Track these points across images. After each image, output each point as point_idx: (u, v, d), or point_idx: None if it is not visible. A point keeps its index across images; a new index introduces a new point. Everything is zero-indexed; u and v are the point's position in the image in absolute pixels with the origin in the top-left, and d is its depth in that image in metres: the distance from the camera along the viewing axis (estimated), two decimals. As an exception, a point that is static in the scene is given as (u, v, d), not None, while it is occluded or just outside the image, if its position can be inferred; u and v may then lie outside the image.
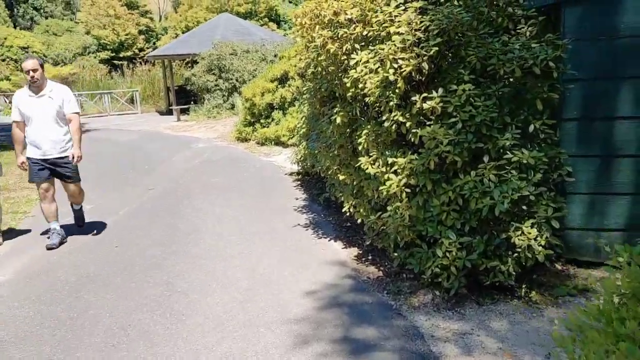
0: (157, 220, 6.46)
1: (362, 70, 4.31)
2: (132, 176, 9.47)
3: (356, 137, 4.74)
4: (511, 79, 4.10)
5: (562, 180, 4.13)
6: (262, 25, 33.05)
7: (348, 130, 5.00)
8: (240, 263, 4.89)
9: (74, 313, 3.99)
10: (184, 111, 19.63)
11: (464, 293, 3.97)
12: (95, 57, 34.32)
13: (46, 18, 49.20)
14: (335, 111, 4.91)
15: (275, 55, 17.34)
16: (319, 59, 4.98)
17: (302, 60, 6.15)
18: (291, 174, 8.88)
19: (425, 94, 3.97)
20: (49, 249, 5.53)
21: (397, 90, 4.07)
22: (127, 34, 36.39)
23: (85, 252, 5.40)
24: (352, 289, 4.24)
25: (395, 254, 4.41)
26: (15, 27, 45.44)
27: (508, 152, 3.82)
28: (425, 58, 3.93)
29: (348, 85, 4.51)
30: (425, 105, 3.92)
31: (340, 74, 4.88)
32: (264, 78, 12.55)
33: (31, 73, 5.36)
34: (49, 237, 5.70)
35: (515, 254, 3.83)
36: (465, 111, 3.85)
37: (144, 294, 4.28)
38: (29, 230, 6.34)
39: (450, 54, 4.26)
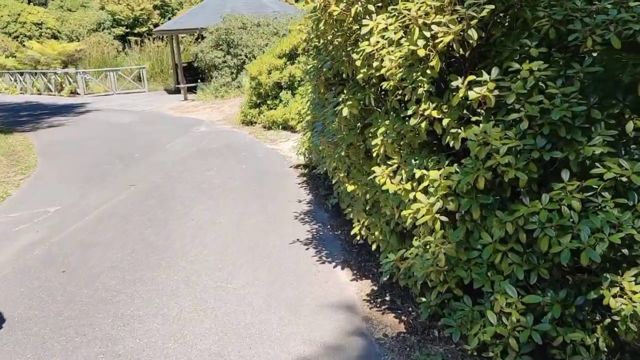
0: (127, 231, 5.27)
1: (377, 42, 3.00)
2: (118, 167, 8.30)
3: (370, 136, 3.45)
4: (594, 54, 2.77)
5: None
6: (280, -1, 31.43)
7: (359, 124, 3.70)
8: (215, 304, 3.67)
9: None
10: (192, 90, 18.40)
11: (526, 371, 2.69)
12: (109, 34, 33.19)
13: (60, -7, 48.42)
14: (341, 99, 3.61)
15: (289, 31, 15.95)
16: (319, 27, 3.66)
17: (303, 31, 4.84)
18: (297, 166, 7.61)
19: (471, 77, 2.65)
20: None
21: (429, 71, 2.77)
22: (141, 9, 35.16)
23: (20, 279, 4.24)
24: (362, 355, 3.00)
25: (424, 300, 3.14)
26: (29, 2, 44.75)
27: (597, 164, 2.51)
28: (473, 22, 2.60)
29: (358, 63, 3.21)
30: (471, 94, 2.62)
31: (348, 48, 3.57)
32: (272, 54, 11.21)
33: None
34: None
35: (608, 321, 2.55)
36: (533, 102, 2.54)
37: (71, 357, 3.09)
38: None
39: (507, 17, 2.92)
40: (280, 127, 10.57)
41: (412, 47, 2.78)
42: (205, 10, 19.81)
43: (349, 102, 3.48)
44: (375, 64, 3.06)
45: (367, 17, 3.16)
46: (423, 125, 2.86)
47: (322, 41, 4.18)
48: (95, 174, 7.87)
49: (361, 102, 3.49)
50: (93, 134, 11.77)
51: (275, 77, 10.70)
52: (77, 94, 20.86)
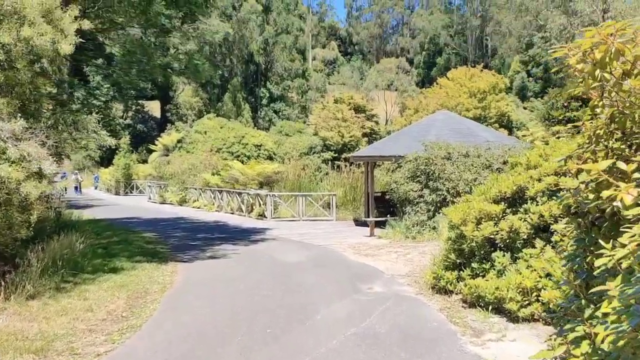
0: None
1: None
2: (231, 353, 5.44)
3: None
4: None
5: None
6: (491, 130, 28.52)
7: None
8: None
9: None
10: (380, 224, 15.70)
11: None
12: (318, 157, 34.12)
13: (282, 120, 53.03)
14: None
15: (504, 163, 12.56)
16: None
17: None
18: None
19: None
20: None
21: None
22: (351, 136, 36.07)
23: None
24: None
25: None
26: (254, 126, 49.56)
27: None
28: None
29: None
30: None
31: None
32: (484, 195, 7.81)
33: None
34: None
35: None
36: None
37: None
38: None
39: None
40: (490, 307, 6.84)
41: None
42: (406, 137, 17.48)
43: None
44: None
45: None
46: None
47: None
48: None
49: None
50: (243, 277, 9.42)
51: (488, 231, 7.19)
52: (265, 217, 19.72)
